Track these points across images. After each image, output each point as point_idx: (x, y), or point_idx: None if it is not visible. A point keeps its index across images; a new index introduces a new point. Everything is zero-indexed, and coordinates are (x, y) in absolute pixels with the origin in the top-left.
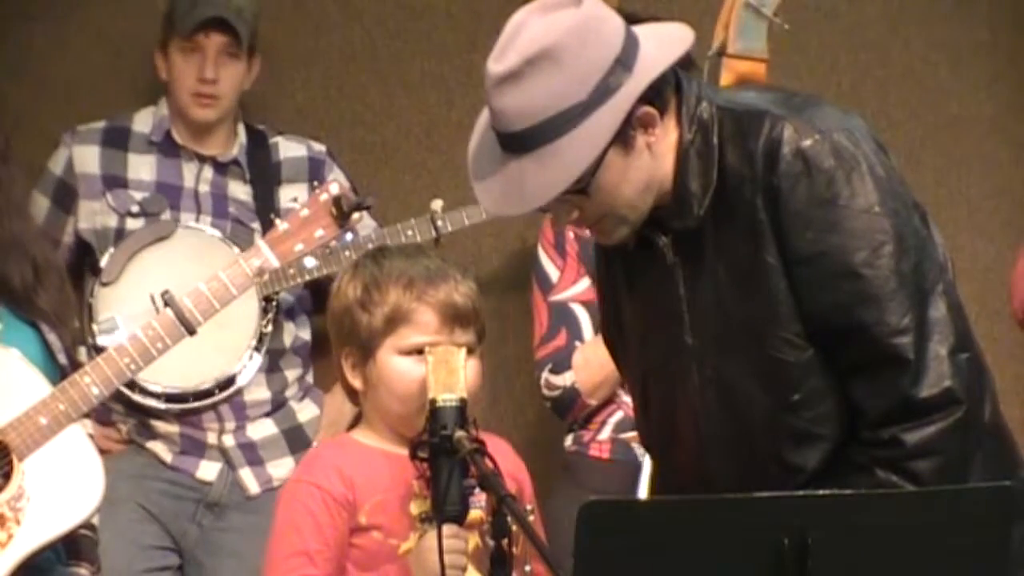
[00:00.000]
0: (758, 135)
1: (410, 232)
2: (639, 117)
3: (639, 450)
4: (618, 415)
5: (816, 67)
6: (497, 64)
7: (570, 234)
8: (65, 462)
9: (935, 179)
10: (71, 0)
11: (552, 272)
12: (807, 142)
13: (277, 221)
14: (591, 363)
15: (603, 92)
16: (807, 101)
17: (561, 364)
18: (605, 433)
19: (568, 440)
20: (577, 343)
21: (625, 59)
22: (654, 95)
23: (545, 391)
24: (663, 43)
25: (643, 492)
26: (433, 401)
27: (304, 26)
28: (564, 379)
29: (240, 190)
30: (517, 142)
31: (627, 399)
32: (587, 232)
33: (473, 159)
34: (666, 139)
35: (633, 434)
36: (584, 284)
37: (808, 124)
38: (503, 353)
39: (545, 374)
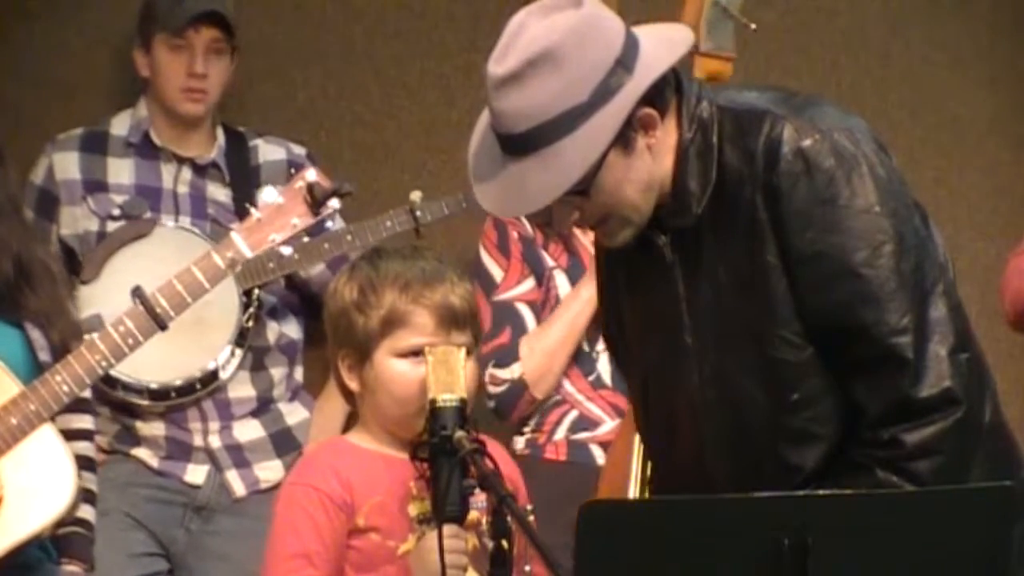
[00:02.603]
0: (758, 134)
1: (389, 223)
2: (640, 118)
3: (597, 451)
4: (572, 415)
5: (816, 67)
6: (498, 66)
7: (514, 234)
8: (36, 461)
9: (935, 179)
10: (71, 0)
11: (496, 272)
12: (807, 142)
13: (252, 210)
14: (535, 352)
15: (604, 93)
16: (808, 101)
17: (506, 358)
18: (560, 434)
19: (519, 443)
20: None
21: (625, 60)
22: (655, 96)
23: (490, 387)
24: (663, 44)
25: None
26: (433, 401)
27: (304, 26)
28: (511, 371)
29: (219, 192)
30: (518, 144)
31: (580, 397)
32: (530, 232)
33: (474, 160)
34: (667, 139)
35: (589, 435)
36: (528, 284)
37: (808, 124)
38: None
39: (489, 369)
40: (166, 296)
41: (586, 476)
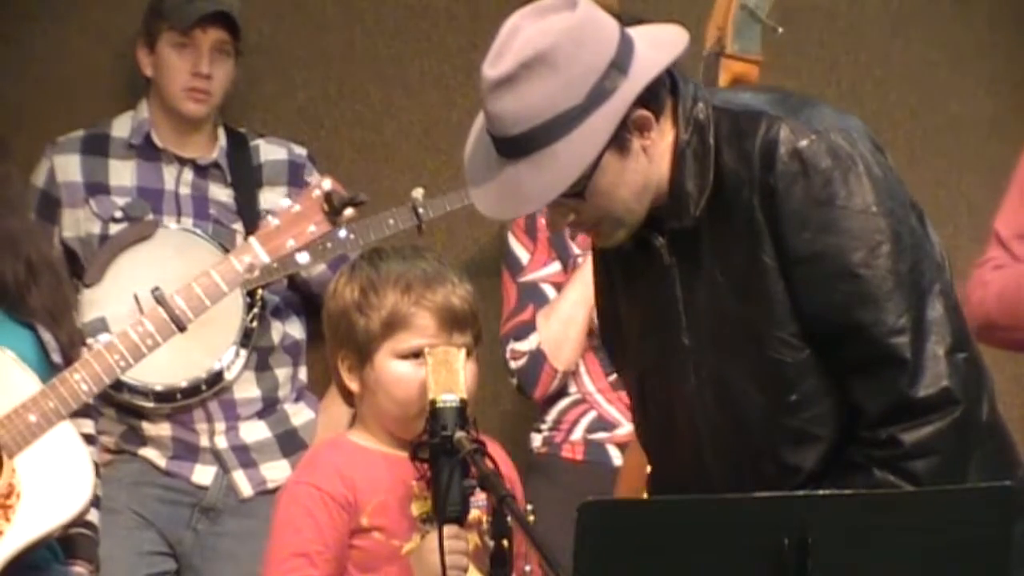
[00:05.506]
0: (754, 135)
1: (391, 221)
2: (635, 120)
3: (613, 452)
4: (591, 415)
5: (816, 67)
6: (492, 69)
7: (542, 220)
8: (55, 460)
9: (935, 179)
10: (71, 0)
11: (522, 255)
12: (804, 142)
13: (269, 217)
14: (550, 320)
15: (599, 95)
16: (804, 101)
17: (525, 332)
18: (577, 433)
19: (536, 441)
20: None
21: (620, 62)
22: (650, 97)
23: (512, 363)
24: (658, 45)
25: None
26: (433, 402)
27: (304, 26)
28: (529, 342)
29: (221, 192)
30: (513, 146)
31: (599, 398)
32: None
33: (469, 163)
34: (662, 141)
35: (606, 435)
36: (555, 267)
37: (805, 124)
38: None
39: (510, 344)
40: (185, 298)
41: (603, 476)
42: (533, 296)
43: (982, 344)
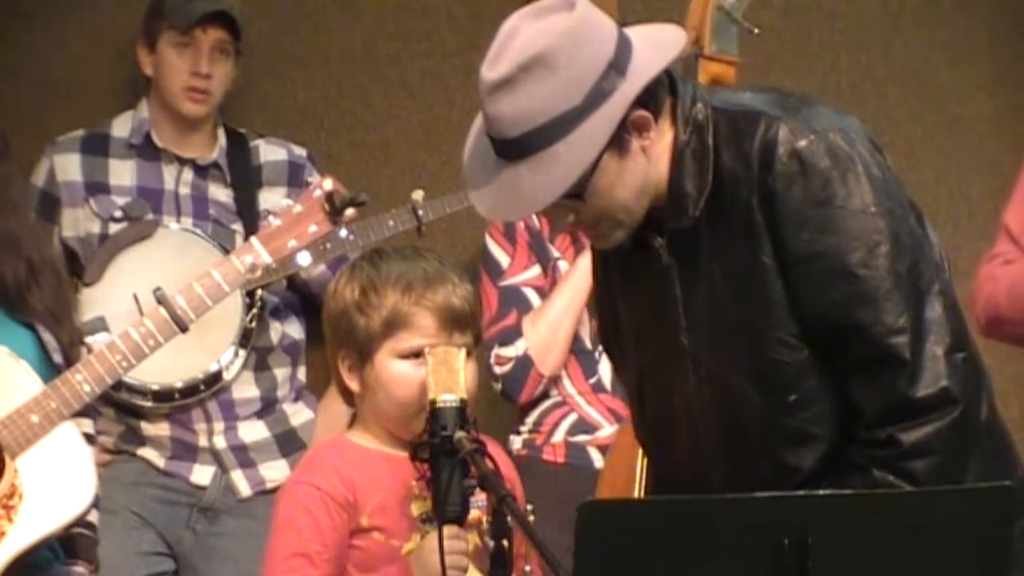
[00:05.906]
0: (753, 136)
1: (391, 223)
2: (633, 121)
3: (595, 454)
4: (571, 417)
5: (816, 67)
6: (491, 71)
7: (520, 224)
8: (57, 460)
9: (935, 179)
10: (71, 0)
11: (502, 259)
12: (802, 142)
13: (271, 217)
14: (538, 325)
15: (597, 96)
16: (802, 102)
17: (510, 337)
18: (559, 436)
19: (516, 443)
20: None
21: (618, 63)
22: (648, 98)
23: (496, 368)
24: (657, 46)
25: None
26: (433, 402)
27: (304, 26)
28: (516, 348)
29: (221, 193)
30: (512, 148)
31: (580, 400)
32: (536, 224)
33: (468, 165)
34: (661, 142)
35: (588, 438)
36: (535, 271)
37: (803, 124)
38: None
39: (495, 350)
40: (187, 299)
41: (584, 478)
42: (515, 300)
43: (991, 339)
